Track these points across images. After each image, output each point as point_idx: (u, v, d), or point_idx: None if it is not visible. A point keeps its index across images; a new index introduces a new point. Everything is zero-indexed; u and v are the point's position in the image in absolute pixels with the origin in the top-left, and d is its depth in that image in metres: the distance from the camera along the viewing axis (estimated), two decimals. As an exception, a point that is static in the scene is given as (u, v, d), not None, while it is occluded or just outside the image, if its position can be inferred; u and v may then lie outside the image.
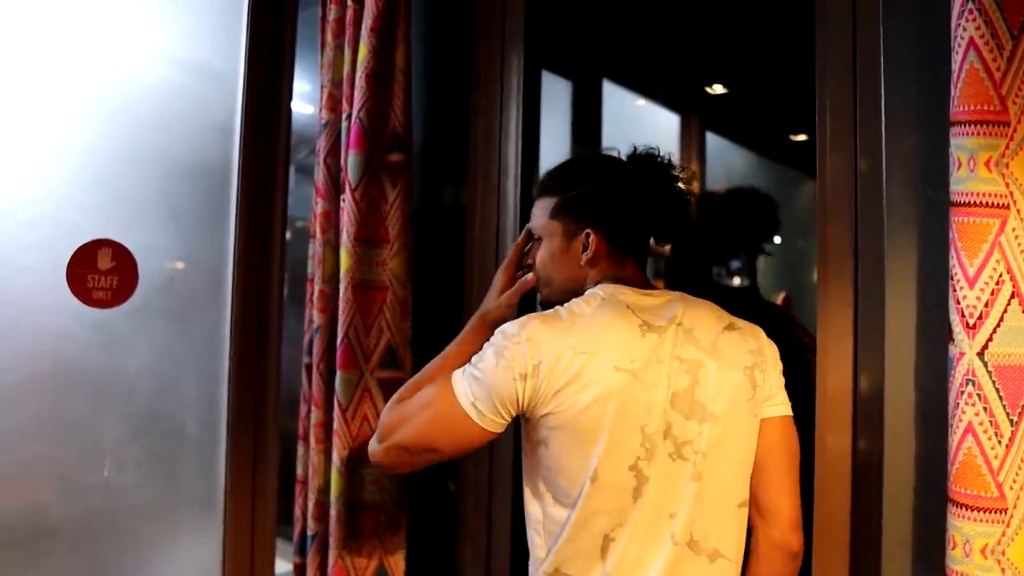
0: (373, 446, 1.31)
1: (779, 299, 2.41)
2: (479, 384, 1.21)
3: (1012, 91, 1.02)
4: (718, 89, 3.21)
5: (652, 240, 1.41)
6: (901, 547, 1.23)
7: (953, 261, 1.06)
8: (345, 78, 1.87)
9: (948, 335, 1.07)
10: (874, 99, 1.32)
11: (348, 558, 1.76)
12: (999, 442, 1.01)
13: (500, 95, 1.91)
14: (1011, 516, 1.00)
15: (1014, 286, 1.02)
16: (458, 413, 1.21)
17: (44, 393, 1.72)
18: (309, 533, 1.84)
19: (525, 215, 1.56)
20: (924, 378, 1.22)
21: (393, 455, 1.28)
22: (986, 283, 1.02)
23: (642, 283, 1.33)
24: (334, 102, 1.92)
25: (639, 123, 3.28)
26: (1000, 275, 1.02)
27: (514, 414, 1.22)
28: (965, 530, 1.02)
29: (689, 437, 1.20)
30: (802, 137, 3.69)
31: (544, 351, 1.19)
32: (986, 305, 1.02)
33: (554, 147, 2.43)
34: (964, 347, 1.03)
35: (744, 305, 2.19)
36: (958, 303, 1.04)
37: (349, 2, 1.88)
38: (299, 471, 1.93)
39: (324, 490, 1.82)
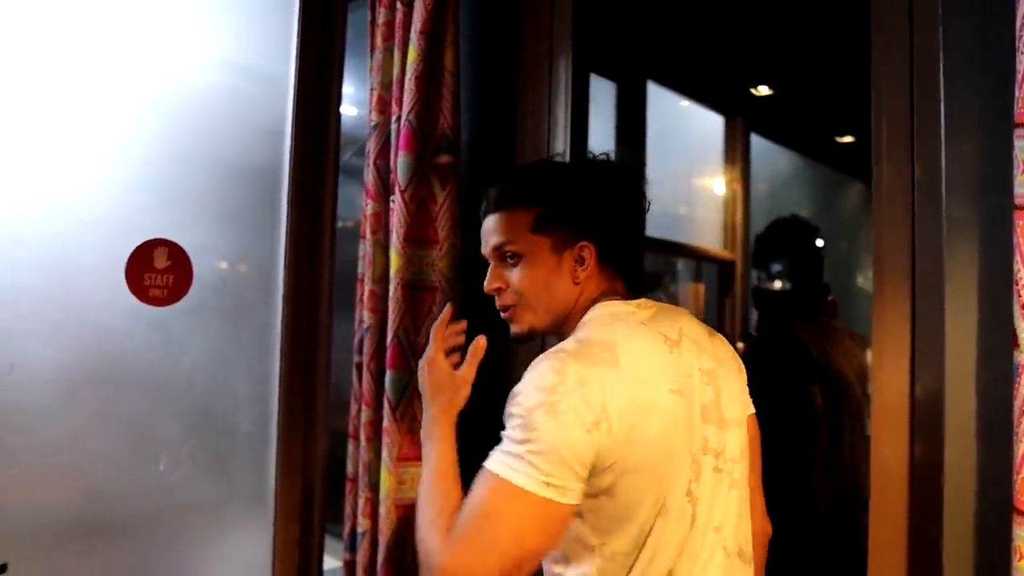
0: None
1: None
2: (541, 457, 1.00)
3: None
4: (763, 91, 3.19)
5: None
6: (962, 558, 1.21)
7: (1017, 266, 1.04)
8: (394, 80, 1.89)
9: (1013, 342, 1.05)
10: (933, 103, 1.30)
11: (397, 555, 1.77)
12: (1066, 451, 0.99)
13: (548, 97, 1.92)
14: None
15: (1082, 292, 1.00)
16: (533, 502, 1.00)
17: (104, 390, 1.76)
18: (359, 530, 1.86)
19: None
20: (986, 386, 1.20)
21: None
22: (1052, 289, 1.00)
23: (629, 296, 1.24)
24: (383, 104, 1.94)
25: (683, 124, 3.27)
26: (1067, 280, 1.00)
27: (586, 475, 1.04)
28: (1030, 540, 1.01)
29: (721, 447, 1.18)
30: (848, 139, 3.65)
31: (604, 391, 1.04)
32: (1053, 311, 1.00)
33: (598, 149, 2.43)
34: (1030, 354, 1.02)
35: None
36: (1023, 308, 1.03)
37: (398, 5, 1.90)
38: (349, 468, 1.95)
39: (374, 487, 1.84)
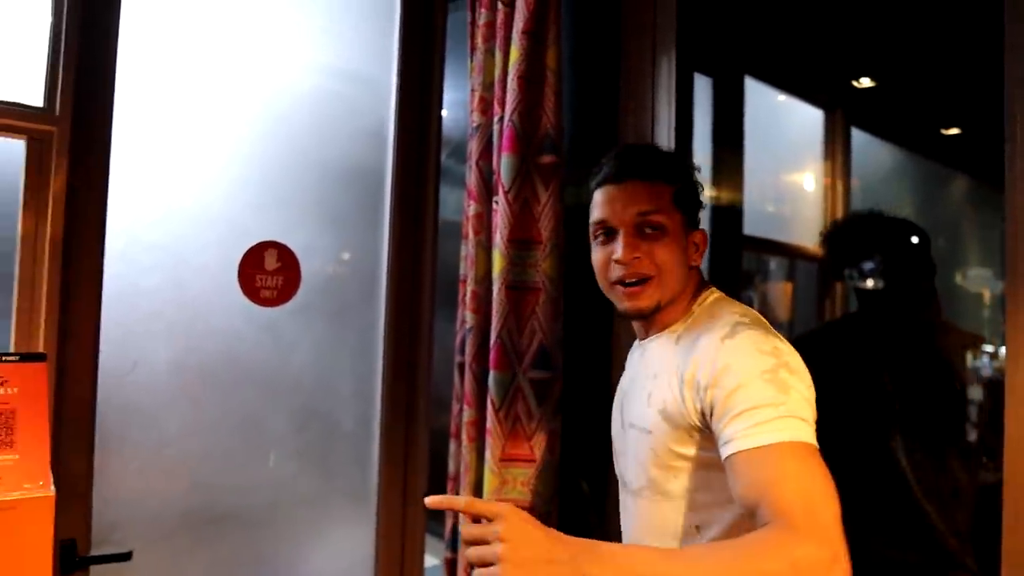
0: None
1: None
2: (806, 410, 1.02)
3: None
4: (865, 83, 3.07)
5: None
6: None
7: None
8: (496, 81, 1.89)
9: None
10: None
11: (501, 556, 1.77)
12: None
13: (651, 95, 1.89)
14: None
15: None
16: (818, 452, 0.99)
17: (218, 389, 1.82)
18: (460, 529, 1.87)
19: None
20: None
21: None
22: None
23: None
24: (485, 105, 1.94)
25: (782, 119, 3.18)
26: None
27: None
28: None
29: None
30: (953, 131, 3.49)
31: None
32: None
33: (696, 145, 2.39)
34: None
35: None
36: None
37: (499, 5, 1.90)
38: (451, 468, 1.97)
39: (476, 487, 1.84)
